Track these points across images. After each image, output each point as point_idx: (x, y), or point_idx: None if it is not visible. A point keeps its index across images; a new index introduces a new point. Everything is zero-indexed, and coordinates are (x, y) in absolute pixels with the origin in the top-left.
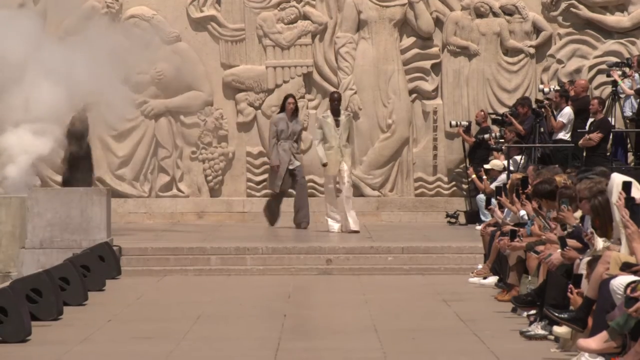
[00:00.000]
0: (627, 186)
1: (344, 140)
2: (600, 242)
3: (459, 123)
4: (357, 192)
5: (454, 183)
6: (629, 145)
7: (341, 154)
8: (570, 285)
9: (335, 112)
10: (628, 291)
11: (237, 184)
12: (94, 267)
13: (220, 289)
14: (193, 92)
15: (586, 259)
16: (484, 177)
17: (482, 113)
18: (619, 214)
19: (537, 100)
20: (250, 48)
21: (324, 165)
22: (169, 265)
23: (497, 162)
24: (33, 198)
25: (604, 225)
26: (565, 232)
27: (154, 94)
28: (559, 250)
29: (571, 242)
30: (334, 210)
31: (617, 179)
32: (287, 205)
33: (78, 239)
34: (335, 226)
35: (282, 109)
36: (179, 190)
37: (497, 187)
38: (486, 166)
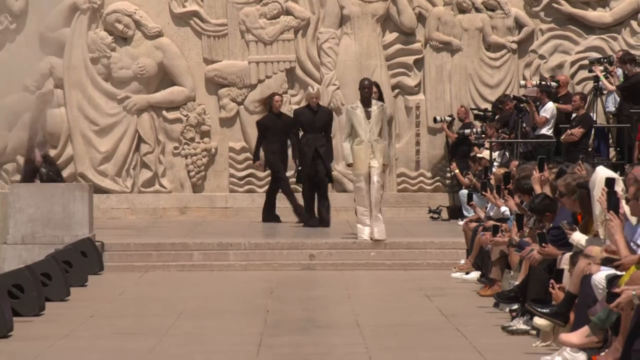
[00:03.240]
0: (609, 182)
1: (375, 134)
2: (582, 238)
3: (443, 119)
4: (340, 187)
5: (436, 178)
6: (610, 140)
7: (372, 149)
8: (552, 281)
9: (366, 102)
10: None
11: (219, 180)
12: (76, 263)
13: (203, 285)
14: (175, 87)
15: (568, 253)
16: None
17: (463, 109)
18: (601, 208)
19: (523, 96)
20: (232, 43)
21: (349, 165)
22: (151, 261)
23: (488, 152)
24: (15, 193)
25: (587, 220)
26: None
27: (136, 89)
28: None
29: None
30: (364, 213)
31: (601, 173)
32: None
33: (60, 235)
34: (365, 231)
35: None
36: (161, 185)
37: (482, 183)
38: (478, 155)
